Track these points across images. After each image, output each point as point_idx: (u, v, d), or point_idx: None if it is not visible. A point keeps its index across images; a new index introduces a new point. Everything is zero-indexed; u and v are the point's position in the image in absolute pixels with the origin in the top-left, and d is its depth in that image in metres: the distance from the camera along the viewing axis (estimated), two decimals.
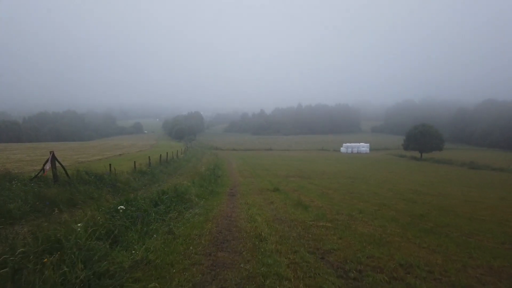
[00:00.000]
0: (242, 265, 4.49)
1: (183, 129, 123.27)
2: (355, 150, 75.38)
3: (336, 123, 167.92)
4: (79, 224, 4.69)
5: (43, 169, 10.04)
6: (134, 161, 18.06)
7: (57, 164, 10.35)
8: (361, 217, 8.35)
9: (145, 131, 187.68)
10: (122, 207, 6.26)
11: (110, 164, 14.33)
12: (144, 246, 4.91)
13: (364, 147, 77.20)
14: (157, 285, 3.71)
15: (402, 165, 43.08)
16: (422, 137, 54.60)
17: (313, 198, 12.03)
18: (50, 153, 10.37)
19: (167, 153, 27.32)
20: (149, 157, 21.34)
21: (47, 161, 10.08)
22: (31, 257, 3.68)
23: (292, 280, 4.05)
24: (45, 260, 3.56)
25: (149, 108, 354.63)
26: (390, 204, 11.27)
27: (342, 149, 76.57)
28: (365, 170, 31.83)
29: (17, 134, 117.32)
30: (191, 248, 5.22)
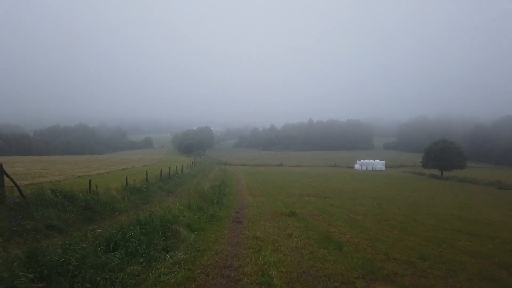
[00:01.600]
0: None
1: (192, 143, 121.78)
2: (369, 167, 72.12)
3: (348, 139, 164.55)
4: None
5: None
6: (126, 177, 15.66)
7: (7, 180, 7.96)
8: (429, 269, 5.68)
9: (155, 146, 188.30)
10: None
11: (90, 181, 11.92)
12: None
13: (379, 164, 73.89)
14: None
15: (424, 183, 39.92)
16: (443, 154, 51.17)
17: (342, 228, 9.35)
18: None
19: (169, 168, 24.94)
20: (146, 172, 18.96)
21: None
22: None
23: None
24: None
25: (160, 122, 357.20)
26: (447, 239, 8.55)
27: (356, 166, 73.40)
28: (386, 189, 28.92)
29: (27, 147, 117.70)
30: None
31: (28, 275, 3.61)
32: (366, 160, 76.00)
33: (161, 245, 5.83)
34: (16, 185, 7.89)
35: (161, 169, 22.09)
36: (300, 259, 5.87)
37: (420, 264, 5.91)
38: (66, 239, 4.86)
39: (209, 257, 5.73)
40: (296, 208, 13.17)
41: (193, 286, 4.37)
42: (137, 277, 4.37)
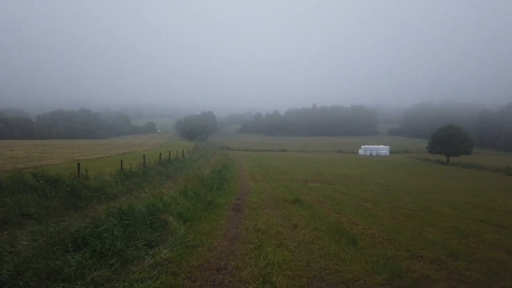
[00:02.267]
0: None
1: (196, 128, 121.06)
2: (374, 153, 71.14)
3: (352, 125, 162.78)
4: None
5: None
6: (121, 160, 14.83)
7: None
8: (465, 270, 4.76)
9: (158, 131, 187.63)
10: None
11: (78, 164, 11.09)
12: None
13: (383, 149, 72.82)
14: None
15: (430, 169, 39.05)
16: (450, 140, 50.07)
17: (352, 217, 8.49)
18: None
19: (169, 152, 24.12)
20: (143, 155, 18.14)
21: None
22: None
23: None
24: None
25: (163, 108, 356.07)
26: (471, 231, 7.67)
27: (361, 152, 72.41)
28: (392, 175, 28.02)
29: (29, 131, 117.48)
30: None
31: None
32: (370, 146, 74.90)
33: (145, 240, 4.93)
34: None
35: (160, 153, 21.25)
36: (309, 258, 5.00)
37: (453, 264, 5.03)
38: (15, 235, 3.98)
39: (200, 255, 4.86)
40: (300, 194, 12.33)
41: None
42: (101, 286, 3.37)
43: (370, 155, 69.51)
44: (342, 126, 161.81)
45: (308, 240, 5.95)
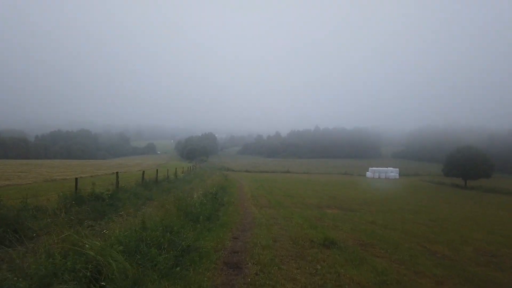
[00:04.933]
0: None
1: (195, 149, 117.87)
2: (382, 175, 67.30)
3: (355, 147, 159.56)
4: None
5: None
6: (76, 179, 11.20)
7: None
8: None
9: (158, 152, 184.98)
10: None
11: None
12: None
13: (393, 172, 69.08)
14: None
15: (452, 194, 35.33)
16: (468, 163, 46.28)
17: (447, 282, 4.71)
18: None
19: (157, 170, 20.50)
20: (116, 173, 14.43)
21: None
22: None
23: None
24: None
25: (164, 129, 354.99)
26: None
27: (369, 174, 68.60)
28: (416, 199, 24.24)
29: (25, 151, 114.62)
30: None
31: None
32: (379, 168, 71.49)
33: None
34: None
35: (143, 172, 17.62)
36: None
37: None
38: None
39: None
40: (327, 228, 8.62)
41: None
42: None
43: (379, 177, 65.84)
44: (346, 149, 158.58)
45: None
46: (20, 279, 3.42)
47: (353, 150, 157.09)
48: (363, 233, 8.43)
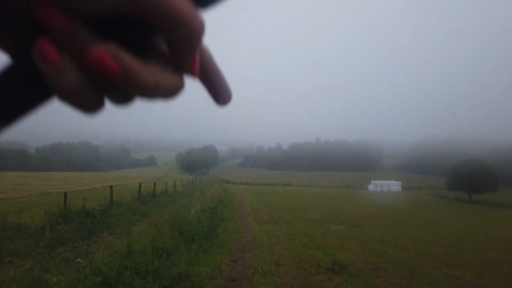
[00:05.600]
0: None
1: (196, 161, 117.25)
2: (385, 188, 66.53)
3: (357, 160, 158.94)
4: None
5: None
6: (65, 193, 10.64)
7: None
8: None
9: (159, 164, 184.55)
10: None
11: None
12: None
13: (395, 185, 68.33)
14: None
15: (457, 208, 34.67)
16: (472, 175, 45.48)
17: None
18: None
19: (154, 183, 19.90)
20: (111, 187, 13.86)
21: None
22: None
23: None
24: None
25: (166, 141, 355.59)
26: None
27: (371, 187, 67.79)
28: (423, 214, 23.55)
29: (25, 163, 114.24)
30: None
31: None
32: (381, 181, 70.74)
33: None
34: None
35: (140, 185, 17.02)
36: None
37: None
38: None
39: None
40: (333, 248, 7.98)
41: None
42: None
43: (381, 190, 65.00)
44: (347, 161, 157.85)
45: None
46: None
47: (354, 163, 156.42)
48: (373, 254, 7.77)
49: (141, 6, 0.23)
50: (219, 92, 0.36)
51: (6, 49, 0.25)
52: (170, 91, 0.27)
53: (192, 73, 0.29)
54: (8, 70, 0.25)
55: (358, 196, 44.45)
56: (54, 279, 3.14)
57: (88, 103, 0.25)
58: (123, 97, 0.27)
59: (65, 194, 10.91)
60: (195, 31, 0.25)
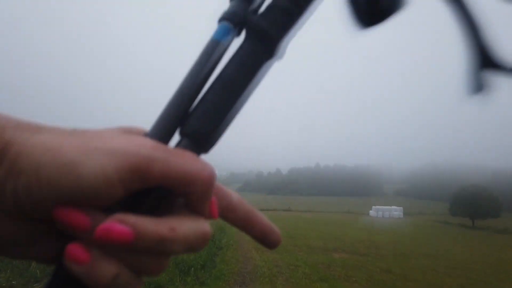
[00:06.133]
0: None
1: None
2: (386, 214, 65.51)
3: (357, 185, 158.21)
4: None
5: None
6: None
7: None
8: None
9: None
10: None
11: None
12: None
13: (397, 211, 67.33)
14: None
15: (461, 235, 34.17)
16: (475, 201, 44.96)
17: None
18: None
19: None
20: None
21: None
22: None
23: None
24: None
25: None
26: None
27: (372, 213, 66.76)
28: (428, 243, 22.75)
29: None
30: None
31: None
32: (382, 207, 69.75)
33: None
34: None
35: None
36: None
37: None
38: None
39: None
40: (339, 279, 7.49)
41: None
42: None
43: (383, 216, 64.03)
44: (347, 186, 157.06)
45: None
46: None
47: (354, 188, 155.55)
48: (382, 286, 7.26)
49: (150, 183, 0.25)
50: (263, 235, 0.37)
51: (45, 262, 0.28)
52: (193, 237, 0.27)
53: (212, 215, 0.31)
54: (54, 280, 0.26)
55: (360, 222, 43.67)
56: None
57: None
58: (155, 265, 0.27)
59: None
60: (205, 182, 0.26)
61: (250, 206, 0.37)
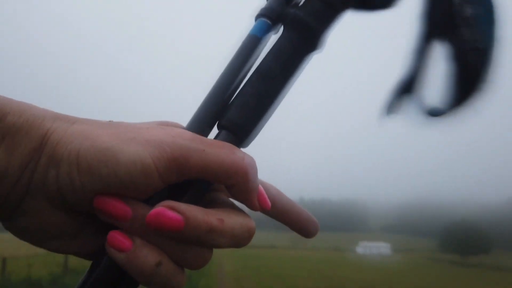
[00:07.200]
0: None
1: None
2: (374, 251, 64.02)
3: (343, 220, 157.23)
4: None
5: None
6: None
7: None
8: None
9: None
10: None
11: None
12: None
13: (384, 247, 66.02)
14: None
15: (454, 273, 32.85)
16: (465, 237, 44.45)
17: None
18: None
19: None
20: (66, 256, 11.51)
21: None
22: None
23: None
24: None
25: None
26: None
27: (359, 249, 65.10)
28: (419, 280, 21.16)
29: None
30: None
31: None
32: (370, 243, 68.34)
33: None
34: None
35: None
36: None
37: None
38: None
39: None
40: None
41: None
42: None
43: (371, 253, 62.58)
44: (333, 221, 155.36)
45: None
46: None
47: (340, 223, 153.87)
48: None
49: (189, 175, 0.25)
50: (302, 226, 0.38)
51: (85, 256, 0.28)
52: (239, 231, 0.27)
53: (263, 206, 0.31)
54: (94, 270, 0.27)
55: (348, 259, 42.11)
56: None
57: (170, 279, 0.26)
58: (198, 257, 0.27)
59: (4, 260, 8.98)
60: (246, 173, 0.26)
61: (288, 198, 0.37)
